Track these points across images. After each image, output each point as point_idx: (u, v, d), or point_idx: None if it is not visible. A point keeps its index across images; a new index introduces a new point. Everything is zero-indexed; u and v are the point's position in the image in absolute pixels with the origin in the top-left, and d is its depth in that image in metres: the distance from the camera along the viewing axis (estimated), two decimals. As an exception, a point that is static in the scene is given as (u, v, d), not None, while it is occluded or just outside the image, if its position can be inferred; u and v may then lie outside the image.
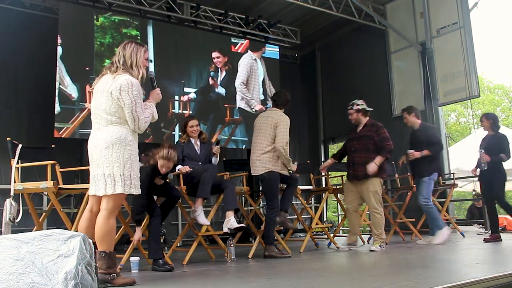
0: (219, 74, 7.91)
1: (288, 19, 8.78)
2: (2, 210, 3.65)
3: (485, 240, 5.22)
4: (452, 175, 6.81)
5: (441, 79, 7.40)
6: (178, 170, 4.27)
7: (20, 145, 3.86)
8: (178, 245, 4.72)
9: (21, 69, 6.79)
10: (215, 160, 4.64)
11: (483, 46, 30.02)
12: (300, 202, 5.99)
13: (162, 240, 4.99)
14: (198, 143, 4.61)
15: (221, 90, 7.90)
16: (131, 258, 3.70)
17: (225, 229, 4.18)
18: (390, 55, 8.24)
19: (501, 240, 5.18)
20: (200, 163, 4.44)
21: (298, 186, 5.20)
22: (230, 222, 4.14)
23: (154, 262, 3.66)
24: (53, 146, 4.43)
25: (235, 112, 8.06)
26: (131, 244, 3.87)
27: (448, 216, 6.58)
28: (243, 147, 8.19)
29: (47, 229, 3.12)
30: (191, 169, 4.27)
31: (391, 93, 8.16)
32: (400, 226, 6.14)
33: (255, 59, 8.37)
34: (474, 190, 10.26)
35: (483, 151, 5.26)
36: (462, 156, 9.07)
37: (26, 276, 1.97)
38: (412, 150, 5.27)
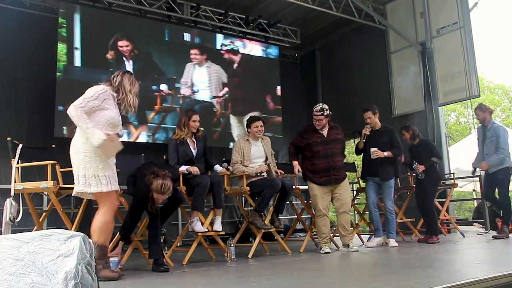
0: (126, 63, 7.34)
1: (288, 19, 8.78)
2: (2, 210, 3.65)
3: (419, 241, 5.51)
4: (452, 175, 6.80)
5: (441, 79, 7.39)
6: (186, 170, 4.20)
7: (20, 145, 3.86)
8: (178, 245, 4.72)
9: (21, 69, 6.79)
10: (218, 167, 4.57)
11: (483, 46, 30.09)
12: (300, 202, 5.98)
13: (162, 240, 4.99)
14: (194, 140, 4.43)
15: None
16: (111, 259, 3.62)
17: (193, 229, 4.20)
18: (390, 55, 8.23)
19: (438, 242, 5.31)
20: (195, 163, 4.36)
21: (297, 187, 5.20)
22: (194, 223, 4.17)
23: (154, 262, 3.67)
24: (53, 146, 4.44)
25: (164, 100, 7.57)
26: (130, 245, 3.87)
27: (448, 216, 6.57)
28: None
29: (47, 229, 3.12)
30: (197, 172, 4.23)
31: (391, 93, 8.16)
32: (400, 226, 6.14)
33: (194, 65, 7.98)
34: (474, 190, 10.26)
35: (415, 162, 5.52)
36: (462, 156, 9.07)
37: (26, 277, 1.97)
38: (376, 149, 5.09)
